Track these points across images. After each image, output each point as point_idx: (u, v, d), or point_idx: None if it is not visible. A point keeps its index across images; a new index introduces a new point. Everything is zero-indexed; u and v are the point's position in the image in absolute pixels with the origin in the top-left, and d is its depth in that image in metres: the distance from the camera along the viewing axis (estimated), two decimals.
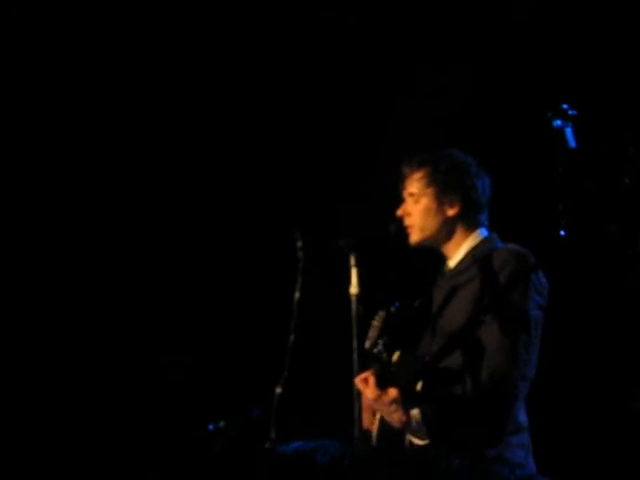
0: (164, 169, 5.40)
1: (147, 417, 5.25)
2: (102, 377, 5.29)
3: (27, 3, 5.22)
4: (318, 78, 5.28)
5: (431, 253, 3.72)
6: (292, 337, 3.71)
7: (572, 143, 3.32)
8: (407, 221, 3.67)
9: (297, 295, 3.72)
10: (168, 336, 5.32)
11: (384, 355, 3.30)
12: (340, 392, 3.66)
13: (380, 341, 3.39)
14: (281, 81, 5.32)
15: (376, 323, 3.52)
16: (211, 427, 4.17)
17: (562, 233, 3.18)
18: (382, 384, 3.24)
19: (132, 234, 5.39)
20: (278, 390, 3.67)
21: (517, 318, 3.33)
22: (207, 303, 5.33)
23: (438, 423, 3.23)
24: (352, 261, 3.68)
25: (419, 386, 3.06)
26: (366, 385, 3.33)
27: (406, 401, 3.20)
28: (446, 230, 3.64)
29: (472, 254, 3.56)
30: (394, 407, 3.24)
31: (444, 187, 3.62)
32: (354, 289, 3.65)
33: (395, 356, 3.37)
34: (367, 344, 3.51)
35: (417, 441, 3.31)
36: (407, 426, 3.28)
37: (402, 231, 3.68)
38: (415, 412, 3.25)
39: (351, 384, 3.48)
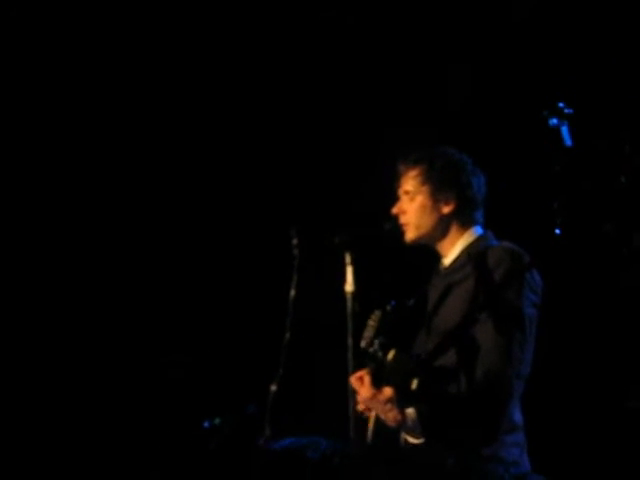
0: (160, 169, 5.40)
1: (142, 414, 5.25)
2: (95, 374, 5.28)
3: (27, 3, 5.22)
4: (316, 77, 5.28)
5: (426, 251, 3.72)
6: (287, 335, 3.71)
7: (568, 142, 3.32)
8: (402, 219, 3.67)
9: (292, 293, 3.72)
10: (163, 334, 5.32)
11: (379, 354, 3.30)
12: (335, 390, 3.66)
13: (376, 341, 3.39)
14: (279, 79, 5.32)
15: (372, 322, 3.52)
16: (206, 424, 4.17)
17: (557, 231, 3.18)
18: (377, 383, 3.24)
19: (129, 234, 5.39)
20: (273, 388, 3.67)
21: (511, 316, 3.32)
22: (202, 300, 5.33)
23: (433, 422, 3.23)
24: (347, 259, 3.68)
25: (414, 385, 3.06)
26: (361, 384, 3.33)
27: (401, 400, 3.20)
28: (441, 228, 3.63)
29: (467, 252, 3.56)
30: (389, 406, 3.23)
31: (439, 185, 3.61)
32: (349, 287, 3.65)
33: (390, 355, 3.36)
34: (363, 343, 3.50)
35: (412, 440, 3.31)
36: (402, 425, 3.28)
37: (397, 229, 3.67)
38: (410, 411, 3.25)
39: (346, 382, 3.48)
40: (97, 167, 5.39)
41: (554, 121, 3.32)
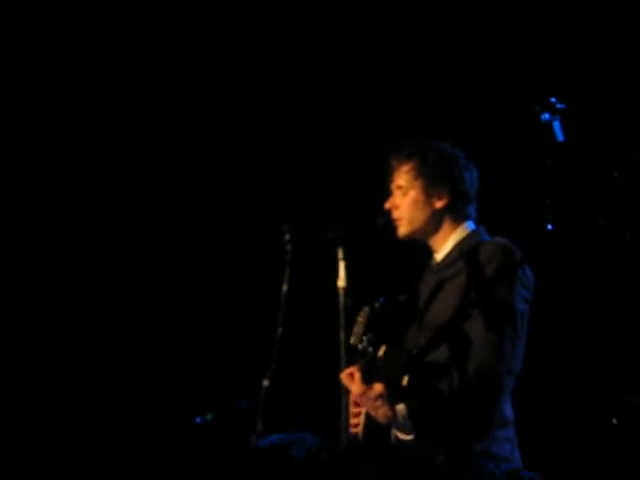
0: (155, 166, 5.40)
1: (134, 410, 5.25)
2: (89, 372, 5.28)
3: (27, 3, 5.20)
4: (312, 75, 5.28)
5: (419, 246, 3.72)
6: (279, 330, 3.70)
7: (560, 137, 3.32)
8: (395, 214, 3.66)
9: (285, 288, 3.71)
10: (155, 329, 5.32)
11: (370, 350, 3.29)
12: (327, 385, 3.65)
13: (365, 337, 3.38)
14: (277, 78, 5.32)
15: (361, 319, 3.51)
16: (198, 420, 4.16)
17: (550, 227, 3.18)
18: (368, 379, 3.24)
19: (124, 232, 5.39)
20: (265, 383, 3.66)
21: (503, 312, 3.32)
22: (193, 296, 5.33)
23: (424, 418, 3.23)
24: (340, 254, 3.66)
25: (405, 381, 3.05)
26: (352, 380, 3.32)
27: (392, 396, 3.20)
28: (434, 223, 3.62)
29: (459, 247, 3.55)
30: (379, 402, 3.23)
31: (432, 179, 3.61)
32: (342, 282, 3.63)
33: (381, 351, 3.36)
34: (352, 339, 3.50)
35: (403, 436, 3.30)
36: (393, 421, 3.27)
37: (390, 224, 3.66)
38: (401, 407, 3.24)
39: (338, 377, 3.47)
40: (92, 163, 5.38)
41: (546, 116, 3.32)
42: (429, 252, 3.69)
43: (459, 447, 3.26)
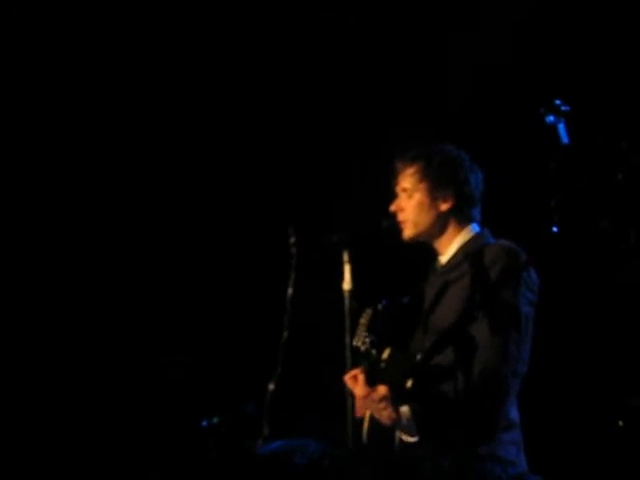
0: (159, 169, 5.39)
1: (141, 413, 5.25)
2: (93, 374, 5.28)
3: (27, 3, 5.21)
4: (314, 76, 5.27)
5: (424, 249, 3.72)
6: (285, 333, 3.70)
7: (565, 139, 3.32)
8: (400, 216, 3.65)
9: (290, 291, 3.71)
10: (161, 333, 5.32)
11: (373, 352, 3.29)
12: (333, 388, 3.65)
13: (367, 339, 3.38)
14: (278, 79, 5.32)
15: (363, 321, 3.52)
16: (204, 423, 4.16)
17: (555, 229, 3.18)
18: (372, 381, 3.24)
19: (128, 233, 5.38)
20: (271, 386, 3.66)
21: (508, 315, 3.32)
22: (199, 299, 5.32)
23: (428, 420, 3.22)
24: (345, 257, 3.66)
25: (409, 383, 3.05)
26: (355, 383, 3.33)
27: (396, 398, 3.20)
28: (439, 225, 3.62)
29: (464, 250, 3.55)
30: (383, 404, 3.23)
31: (437, 182, 3.60)
32: (347, 285, 3.63)
33: (385, 353, 3.37)
34: (354, 341, 3.50)
35: (407, 438, 3.31)
36: (397, 423, 3.27)
37: (395, 227, 3.66)
38: (405, 409, 3.24)
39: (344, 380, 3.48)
40: (93, 165, 5.38)
41: (551, 118, 3.32)
42: (434, 254, 3.69)
43: (464, 450, 3.27)
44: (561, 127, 3.31)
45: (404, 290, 3.76)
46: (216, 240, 5.34)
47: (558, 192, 3.27)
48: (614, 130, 4.06)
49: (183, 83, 5.34)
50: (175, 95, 5.35)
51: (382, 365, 3.21)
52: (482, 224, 3.65)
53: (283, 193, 5.26)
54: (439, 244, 3.65)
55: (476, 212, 3.64)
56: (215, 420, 4.14)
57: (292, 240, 3.70)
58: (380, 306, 3.53)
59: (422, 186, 3.62)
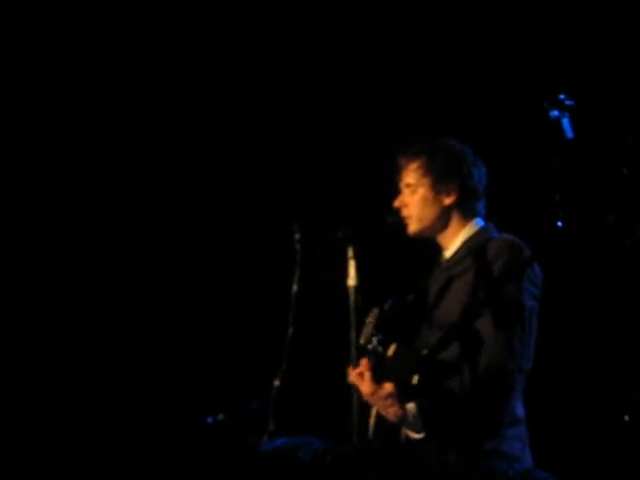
0: (163, 166, 5.39)
1: (146, 410, 5.26)
2: (99, 370, 5.29)
3: (27, 3, 5.21)
4: (317, 74, 5.27)
5: (429, 244, 3.71)
6: (290, 330, 3.70)
7: (569, 134, 3.31)
8: (405, 212, 3.65)
9: (295, 287, 3.71)
10: (166, 330, 5.32)
11: (379, 350, 3.29)
12: (338, 384, 3.65)
13: (374, 338, 3.38)
14: (280, 77, 5.32)
15: (370, 320, 3.51)
16: (210, 420, 4.16)
17: (559, 224, 3.17)
18: (378, 378, 3.23)
19: (134, 229, 5.39)
20: (276, 383, 3.66)
21: (511, 309, 3.31)
22: (205, 296, 5.32)
23: (434, 416, 3.22)
24: (350, 253, 3.66)
25: (415, 380, 3.05)
26: (362, 380, 3.32)
27: (402, 395, 3.19)
28: (443, 219, 3.62)
29: (467, 244, 3.55)
30: (390, 401, 3.23)
31: (440, 176, 3.60)
32: (352, 281, 3.63)
33: (391, 350, 3.36)
34: (361, 340, 3.50)
35: (413, 435, 3.31)
36: (403, 420, 3.27)
37: (400, 222, 3.66)
38: (411, 406, 3.25)
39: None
40: (94, 163, 5.38)
41: (555, 113, 3.31)
42: (438, 250, 3.69)
43: (470, 446, 3.26)
44: (565, 121, 3.30)
45: (409, 286, 3.75)
46: (221, 237, 5.35)
47: (562, 187, 3.26)
48: (619, 124, 4.05)
49: (186, 81, 5.35)
50: (179, 93, 5.36)
51: (388, 362, 3.21)
52: (487, 219, 3.64)
53: (288, 189, 5.26)
54: (443, 239, 3.65)
55: (480, 206, 3.63)
56: (220, 417, 4.14)
57: (297, 236, 3.70)
58: (387, 305, 3.52)
59: (425, 181, 3.62)
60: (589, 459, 4.47)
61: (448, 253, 3.62)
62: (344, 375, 3.52)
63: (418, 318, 3.62)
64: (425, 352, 3.19)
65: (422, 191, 3.61)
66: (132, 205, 5.38)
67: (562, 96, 3.31)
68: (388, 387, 3.21)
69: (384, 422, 3.36)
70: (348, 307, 3.60)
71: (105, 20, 5.25)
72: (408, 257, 4.33)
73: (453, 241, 3.61)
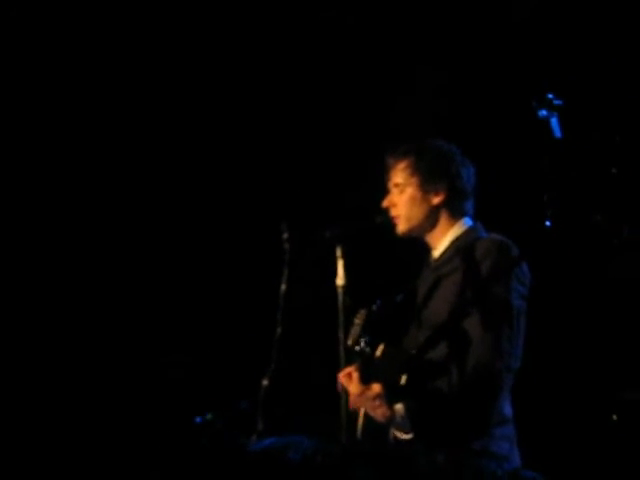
0: (152, 167, 5.39)
1: (134, 410, 5.25)
2: (88, 371, 5.29)
3: (27, 3, 5.21)
4: (314, 75, 5.27)
5: (417, 244, 3.71)
6: (279, 329, 3.69)
7: (557, 133, 3.31)
8: (393, 212, 3.66)
9: (283, 287, 3.71)
10: (155, 329, 5.32)
11: (367, 350, 3.29)
12: (327, 384, 3.65)
13: (362, 339, 3.38)
14: (276, 77, 5.32)
15: (358, 321, 3.51)
16: (198, 420, 4.16)
17: (547, 223, 3.17)
18: (366, 379, 3.23)
19: (123, 232, 5.38)
20: (265, 382, 3.66)
21: (499, 309, 3.31)
22: (192, 295, 5.32)
23: (422, 417, 3.22)
24: (338, 252, 3.66)
25: (403, 380, 3.05)
26: (349, 380, 3.32)
27: (390, 395, 3.19)
28: (431, 219, 3.62)
29: (456, 244, 3.56)
30: (378, 402, 3.22)
31: (428, 176, 3.61)
32: (340, 280, 3.63)
33: (379, 350, 3.36)
34: (349, 342, 3.50)
35: (401, 435, 3.30)
36: (391, 421, 3.27)
37: (388, 222, 3.66)
38: (399, 406, 3.24)
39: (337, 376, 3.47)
40: (90, 163, 5.38)
41: (543, 112, 3.31)
42: (427, 249, 3.69)
43: (458, 446, 3.26)
44: (554, 121, 3.30)
45: (398, 286, 3.75)
46: (209, 237, 5.34)
47: (551, 186, 3.26)
48: (608, 124, 4.06)
49: (179, 82, 5.34)
50: (170, 94, 5.34)
51: (376, 362, 3.21)
52: (475, 218, 3.65)
53: (276, 189, 5.25)
54: (431, 238, 3.65)
55: (468, 206, 3.64)
56: (209, 416, 4.14)
57: (285, 236, 3.70)
58: (375, 306, 3.52)
59: (413, 180, 3.62)
60: (577, 459, 4.47)
61: (437, 253, 3.63)
62: (333, 375, 3.51)
63: (407, 318, 3.62)
64: (413, 352, 3.19)
65: (410, 191, 3.62)
66: (122, 206, 5.37)
67: (550, 95, 3.31)
68: (376, 388, 3.21)
69: (372, 422, 3.36)
70: (337, 307, 3.60)
71: (105, 20, 5.24)
72: (397, 257, 4.33)
73: (441, 241, 3.62)
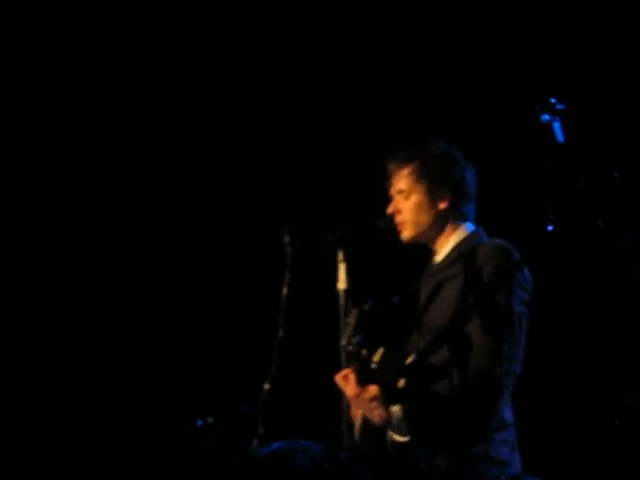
0: (152, 169, 5.39)
1: (136, 413, 5.25)
2: (89, 374, 5.28)
3: (27, 3, 5.21)
4: (315, 78, 5.28)
5: (419, 248, 3.70)
6: (280, 333, 3.69)
7: (560, 138, 3.31)
8: (398, 218, 3.61)
9: (285, 291, 3.70)
10: (156, 332, 5.32)
11: (363, 352, 3.28)
12: (328, 388, 3.64)
13: (354, 339, 3.37)
14: (277, 81, 5.32)
15: (350, 320, 3.49)
16: (200, 423, 4.16)
17: (550, 228, 3.17)
18: (363, 381, 3.23)
19: (123, 233, 5.38)
20: (266, 386, 3.65)
21: (501, 314, 3.30)
22: (195, 299, 5.32)
23: (419, 420, 3.22)
24: (340, 256, 3.66)
25: (401, 383, 3.04)
26: (346, 382, 3.32)
27: (387, 398, 3.19)
28: (438, 224, 3.59)
29: (458, 249, 3.53)
30: (374, 404, 3.23)
31: (434, 182, 3.57)
32: (342, 284, 3.63)
33: (378, 353, 3.34)
34: (342, 341, 3.49)
35: (398, 438, 3.30)
36: (388, 423, 3.27)
37: (390, 226, 3.64)
38: (396, 409, 3.23)
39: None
40: (90, 163, 5.38)
41: (546, 117, 3.31)
42: (429, 254, 3.67)
43: (457, 450, 3.25)
44: (556, 126, 3.30)
45: (399, 290, 3.74)
46: (210, 240, 5.34)
47: (554, 191, 3.26)
48: (610, 128, 4.06)
49: (178, 83, 5.34)
50: (171, 95, 5.35)
51: (374, 365, 3.20)
52: (477, 223, 3.63)
53: (277, 192, 5.26)
54: (436, 243, 3.62)
55: (470, 210, 3.61)
56: (210, 420, 4.14)
57: (286, 239, 3.69)
58: (367, 306, 3.50)
59: (419, 187, 3.58)
60: (579, 465, 4.47)
61: (439, 257, 3.61)
62: (333, 378, 3.51)
63: (408, 322, 3.61)
64: (413, 355, 3.18)
65: (416, 197, 3.58)
66: (122, 208, 5.38)
67: (553, 100, 3.31)
68: (372, 390, 3.21)
69: (370, 425, 3.36)
70: (338, 310, 3.60)
71: (105, 20, 5.24)
72: (398, 261, 4.32)
73: (444, 245, 3.59)
